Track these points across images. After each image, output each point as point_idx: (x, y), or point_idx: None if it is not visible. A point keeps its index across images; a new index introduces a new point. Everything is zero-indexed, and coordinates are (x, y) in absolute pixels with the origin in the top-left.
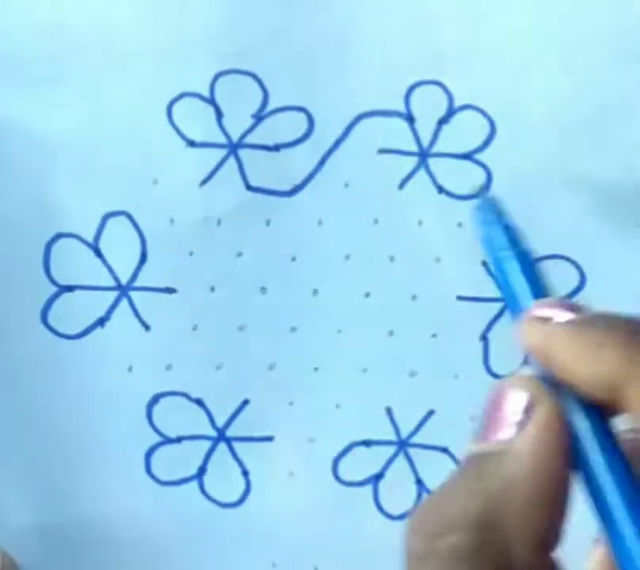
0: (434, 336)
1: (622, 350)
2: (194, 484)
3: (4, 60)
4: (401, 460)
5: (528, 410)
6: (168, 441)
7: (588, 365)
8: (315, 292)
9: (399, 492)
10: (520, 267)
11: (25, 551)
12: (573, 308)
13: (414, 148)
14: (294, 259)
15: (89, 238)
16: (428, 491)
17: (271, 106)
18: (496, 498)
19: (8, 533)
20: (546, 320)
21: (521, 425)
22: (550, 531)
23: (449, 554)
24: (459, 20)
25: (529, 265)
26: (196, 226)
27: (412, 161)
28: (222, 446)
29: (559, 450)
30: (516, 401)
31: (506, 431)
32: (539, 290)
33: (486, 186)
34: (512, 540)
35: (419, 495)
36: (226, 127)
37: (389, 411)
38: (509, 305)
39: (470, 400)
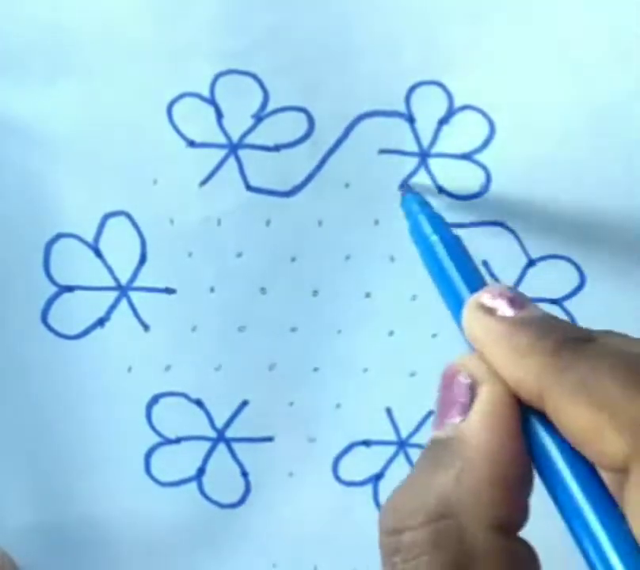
0: (434, 336)
1: (546, 360)
2: (193, 484)
3: (2, 60)
4: (401, 460)
5: (471, 392)
6: (167, 441)
7: (515, 371)
8: (315, 292)
9: None
10: (450, 252)
11: (25, 551)
12: (515, 301)
13: (415, 148)
14: (294, 259)
15: (89, 238)
16: None
17: (271, 106)
18: (448, 485)
19: (7, 534)
20: (489, 310)
21: (466, 407)
22: (507, 513)
23: (411, 549)
24: (460, 21)
25: (461, 252)
26: (196, 227)
27: (412, 162)
28: (222, 447)
29: (508, 430)
30: (462, 383)
31: (457, 415)
32: (475, 277)
33: (486, 186)
34: (468, 526)
35: None
36: (226, 127)
37: (389, 411)
38: (444, 289)
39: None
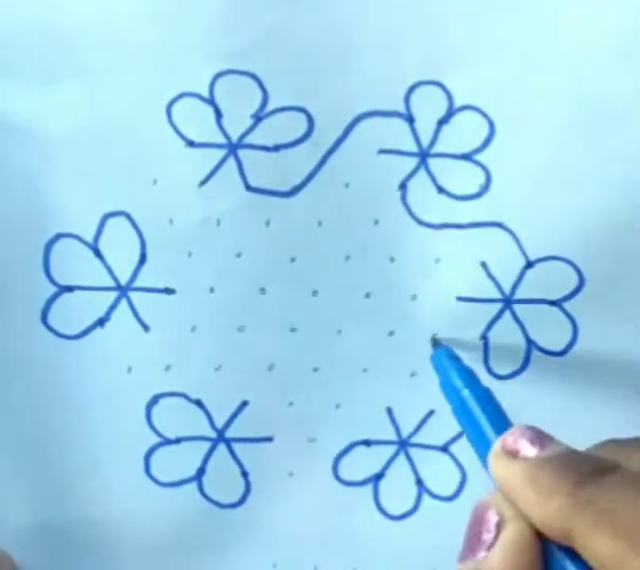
0: (434, 336)
1: (568, 499)
2: (193, 484)
3: (2, 60)
4: (401, 460)
5: (498, 529)
6: (167, 442)
7: (540, 512)
8: (315, 293)
9: (399, 492)
10: (480, 404)
11: (24, 551)
12: (535, 440)
13: (414, 148)
14: (293, 259)
15: (89, 238)
16: (428, 491)
17: (270, 106)
18: None
19: (7, 534)
20: (513, 452)
21: (491, 544)
22: None
23: None
24: (459, 21)
25: (490, 400)
26: (196, 227)
27: (412, 162)
28: (222, 447)
29: (525, 563)
30: (490, 520)
31: (481, 550)
32: (502, 423)
33: (485, 186)
34: None
35: (419, 495)
36: (225, 127)
37: (389, 411)
38: (475, 441)
39: None
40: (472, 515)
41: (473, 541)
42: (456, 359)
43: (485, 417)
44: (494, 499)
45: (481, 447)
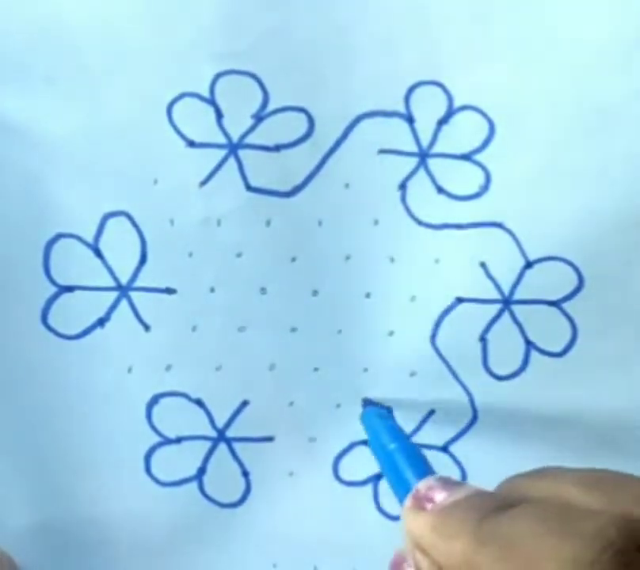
0: (433, 337)
1: (471, 539)
2: (194, 484)
3: (2, 60)
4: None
5: None
6: (167, 441)
7: (446, 555)
8: (315, 292)
9: None
10: (408, 459)
11: (24, 551)
12: (443, 487)
13: (414, 148)
14: (294, 259)
15: (89, 238)
16: None
17: (271, 106)
18: None
19: (7, 534)
20: (428, 500)
21: None
22: None
23: None
24: (459, 21)
25: (417, 455)
26: (196, 227)
27: (412, 162)
28: (222, 447)
29: None
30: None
31: None
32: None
33: (485, 186)
34: None
35: None
36: (226, 127)
37: (389, 411)
38: (398, 492)
39: (470, 401)
40: (390, 566)
41: None
42: (386, 418)
43: (411, 471)
44: (409, 551)
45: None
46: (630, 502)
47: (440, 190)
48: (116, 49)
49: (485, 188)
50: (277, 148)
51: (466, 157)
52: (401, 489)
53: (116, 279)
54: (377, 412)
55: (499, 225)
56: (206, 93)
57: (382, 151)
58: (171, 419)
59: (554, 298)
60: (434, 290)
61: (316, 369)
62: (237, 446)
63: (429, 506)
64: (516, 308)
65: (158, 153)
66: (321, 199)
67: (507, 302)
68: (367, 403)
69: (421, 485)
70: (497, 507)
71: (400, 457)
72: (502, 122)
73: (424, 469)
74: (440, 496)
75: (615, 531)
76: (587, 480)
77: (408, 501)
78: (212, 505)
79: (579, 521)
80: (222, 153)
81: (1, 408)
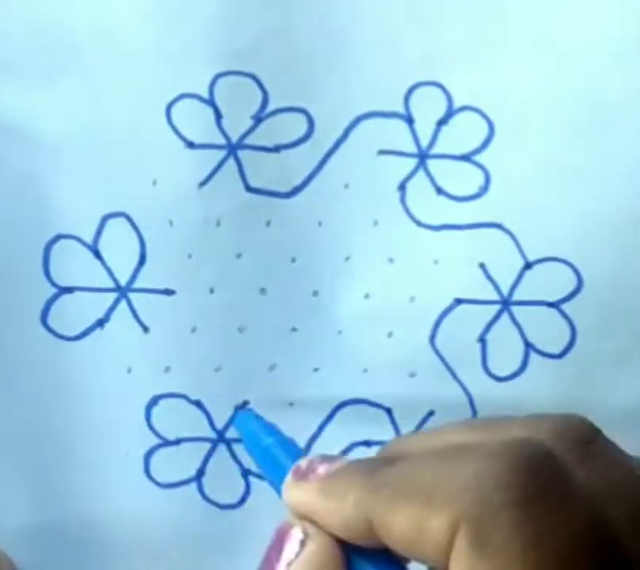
0: (433, 338)
1: (362, 490)
2: (193, 485)
3: (2, 60)
4: None
5: (301, 546)
6: (167, 443)
7: (337, 514)
8: (315, 293)
9: None
10: (283, 449)
11: (23, 552)
12: (325, 459)
13: (414, 149)
14: (293, 260)
15: (89, 240)
16: None
17: (270, 107)
18: None
19: (6, 534)
20: (311, 472)
21: (291, 561)
22: None
23: None
24: (459, 22)
25: (292, 446)
26: (196, 228)
27: (411, 163)
28: (222, 448)
29: None
30: (292, 537)
31: (281, 566)
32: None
33: (485, 187)
34: None
35: None
36: (225, 128)
37: (389, 411)
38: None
39: (470, 402)
40: (275, 534)
41: (272, 557)
42: (260, 419)
43: (289, 460)
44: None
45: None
46: (515, 435)
47: (440, 191)
48: (116, 50)
49: (484, 188)
50: (277, 149)
51: (465, 157)
52: (279, 477)
53: (115, 280)
54: (252, 414)
55: (498, 226)
56: (205, 94)
57: (382, 152)
58: (170, 421)
59: (553, 299)
60: (433, 290)
61: (316, 369)
62: (236, 447)
63: (312, 476)
64: (515, 309)
65: (158, 154)
66: (321, 200)
67: (506, 303)
68: (240, 409)
69: (302, 462)
70: (383, 463)
71: (278, 450)
72: (502, 123)
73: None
74: (322, 468)
75: (519, 446)
76: (466, 424)
77: (288, 477)
78: (212, 506)
79: (472, 450)
80: (222, 153)
81: (0, 408)
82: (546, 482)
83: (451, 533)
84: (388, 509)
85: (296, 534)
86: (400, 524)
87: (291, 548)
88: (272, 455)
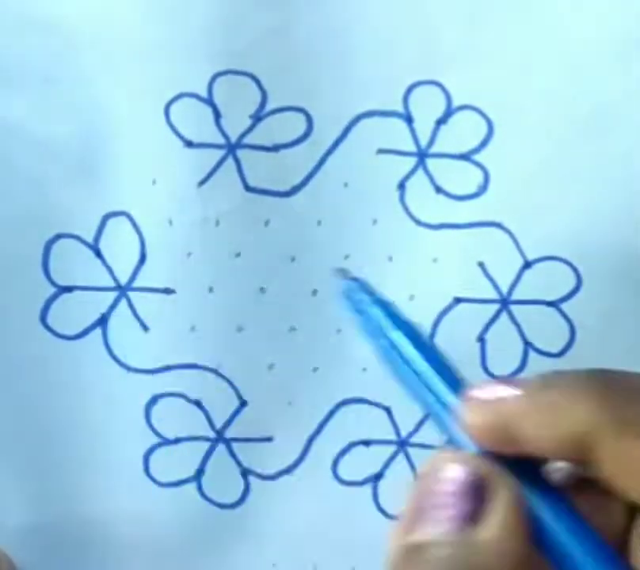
0: (432, 337)
1: (597, 403)
2: (193, 485)
3: (1, 60)
4: (401, 460)
5: (483, 494)
6: (166, 442)
7: (557, 426)
8: (314, 292)
9: (399, 492)
10: (421, 352)
11: (23, 551)
12: (512, 382)
13: (413, 148)
14: (293, 259)
15: (89, 239)
16: None
17: (269, 106)
18: None
19: (6, 534)
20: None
21: (476, 512)
22: None
23: None
24: (458, 21)
25: (431, 347)
26: (195, 227)
27: (410, 162)
28: (221, 447)
29: (525, 535)
30: (468, 482)
31: (455, 520)
32: (453, 376)
33: (484, 186)
34: None
35: None
36: (224, 127)
37: (388, 411)
38: (414, 390)
39: None
40: (426, 477)
41: (434, 508)
42: (374, 293)
43: (432, 366)
44: (465, 458)
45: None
46: None
47: (439, 190)
48: (115, 49)
49: (483, 187)
50: (276, 148)
51: (464, 156)
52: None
53: (115, 279)
54: (361, 286)
55: (497, 224)
56: (204, 93)
57: (381, 151)
58: (170, 420)
59: (552, 298)
60: (432, 289)
61: (315, 369)
62: (236, 446)
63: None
64: (514, 308)
65: (157, 154)
66: (320, 199)
67: (505, 302)
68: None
69: (484, 383)
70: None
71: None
72: (501, 122)
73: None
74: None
75: None
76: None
77: (473, 391)
78: (211, 505)
79: None
80: (221, 153)
81: None
82: None
83: None
84: (631, 434)
85: (469, 478)
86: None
87: (466, 495)
88: (406, 357)
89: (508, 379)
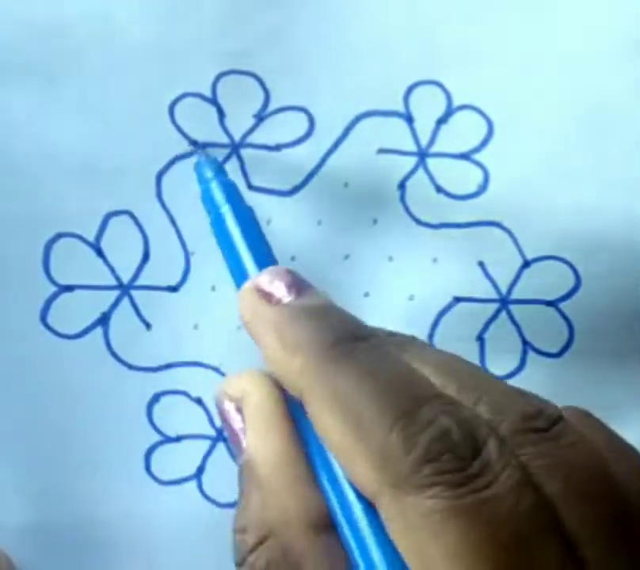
0: (431, 337)
1: (310, 362)
2: (193, 483)
3: (2, 59)
4: None
5: (242, 412)
6: (168, 440)
7: (280, 368)
8: None
9: None
10: (242, 227)
11: (24, 551)
12: (293, 286)
13: (413, 148)
14: (293, 258)
15: (91, 238)
16: None
17: (272, 106)
18: (259, 510)
19: (6, 533)
20: (267, 295)
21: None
22: (314, 508)
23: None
24: (458, 20)
25: (251, 226)
26: (198, 226)
27: (411, 161)
28: (222, 446)
29: (284, 433)
30: (228, 409)
31: (241, 439)
32: (262, 255)
33: (484, 186)
34: (288, 538)
35: None
36: (228, 126)
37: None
38: (232, 266)
39: None
40: (217, 410)
41: (231, 435)
42: (221, 171)
43: (246, 244)
44: (226, 385)
45: (239, 276)
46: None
47: (439, 189)
48: (118, 49)
49: (483, 187)
50: (278, 147)
51: (465, 156)
52: (237, 265)
53: (117, 277)
54: (211, 164)
55: (497, 224)
56: (208, 93)
57: (382, 151)
58: (171, 418)
59: (551, 297)
60: (432, 289)
61: None
62: None
63: (275, 301)
64: (513, 307)
65: (161, 153)
66: (321, 199)
67: (504, 302)
68: (200, 151)
69: (268, 272)
70: (349, 336)
71: (235, 223)
72: (501, 121)
73: (263, 248)
74: (286, 296)
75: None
76: (448, 374)
77: (249, 284)
78: (211, 504)
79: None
80: (225, 152)
81: (0, 408)
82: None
83: (374, 493)
84: (322, 406)
85: (227, 407)
86: (329, 430)
87: (234, 419)
88: (228, 231)
89: (291, 280)
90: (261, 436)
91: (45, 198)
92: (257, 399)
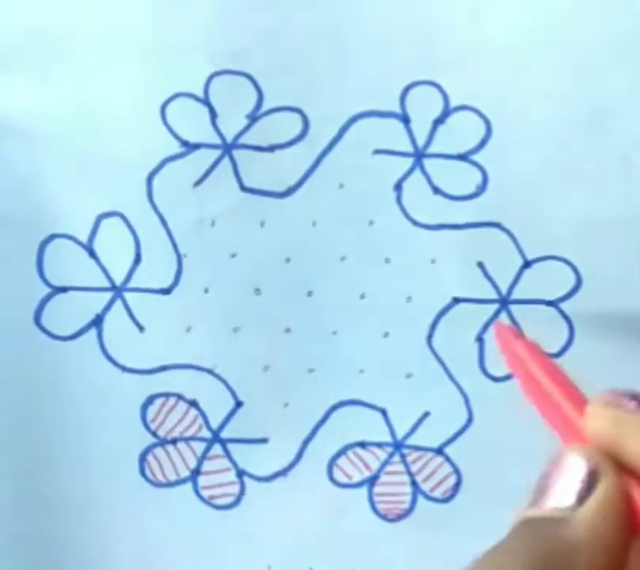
0: (430, 338)
1: None
2: (188, 485)
3: None
4: (396, 462)
5: (591, 481)
6: (162, 442)
7: None
8: (310, 293)
9: (394, 494)
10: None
11: (17, 555)
12: (632, 396)
13: (410, 149)
14: (288, 260)
15: (84, 239)
16: (422, 492)
17: (265, 106)
18: (553, 560)
19: (2, 535)
20: (615, 406)
21: (582, 495)
22: None
23: None
24: (455, 21)
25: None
26: (190, 227)
27: (407, 162)
28: (217, 448)
29: (620, 523)
30: (577, 471)
31: (565, 499)
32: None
33: (482, 187)
34: None
35: (414, 497)
36: (220, 127)
37: (384, 412)
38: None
39: (466, 402)
40: (556, 461)
41: (551, 490)
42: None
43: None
44: (584, 450)
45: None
46: None
47: (437, 190)
48: (111, 49)
49: (482, 188)
50: (271, 148)
51: (462, 157)
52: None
53: (110, 279)
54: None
55: (497, 225)
56: (200, 93)
57: (378, 151)
58: (165, 421)
59: (551, 297)
60: (430, 290)
61: (311, 370)
62: (231, 447)
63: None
64: (513, 308)
65: (153, 154)
66: (316, 200)
67: (504, 302)
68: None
69: (611, 391)
70: None
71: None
72: (499, 122)
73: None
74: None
75: None
76: None
77: (601, 396)
78: (207, 506)
79: None
80: (217, 153)
81: None
82: None
83: None
84: None
85: (582, 465)
86: None
87: (575, 478)
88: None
89: (632, 393)
90: (607, 517)
91: (38, 199)
92: (617, 483)
